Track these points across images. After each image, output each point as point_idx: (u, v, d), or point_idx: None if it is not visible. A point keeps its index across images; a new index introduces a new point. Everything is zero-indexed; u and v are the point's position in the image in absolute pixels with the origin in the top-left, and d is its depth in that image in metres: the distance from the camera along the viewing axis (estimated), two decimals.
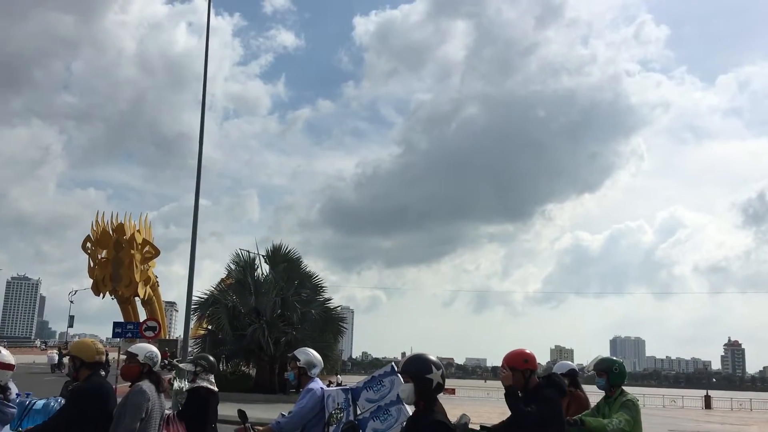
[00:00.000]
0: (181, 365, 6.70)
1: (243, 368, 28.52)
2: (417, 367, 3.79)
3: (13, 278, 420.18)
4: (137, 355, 5.10)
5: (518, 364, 4.75)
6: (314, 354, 5.86)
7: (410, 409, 4.72)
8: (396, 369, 5.42)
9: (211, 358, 6.68)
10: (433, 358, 3.86)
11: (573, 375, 6.75)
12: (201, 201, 20.95)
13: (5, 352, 3.74)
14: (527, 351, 4.82)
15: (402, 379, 3.94)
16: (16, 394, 3.87)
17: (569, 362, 7.04)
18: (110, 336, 32.28)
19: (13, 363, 3.77)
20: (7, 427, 3.67)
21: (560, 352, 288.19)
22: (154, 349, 5.31)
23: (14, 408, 3.69)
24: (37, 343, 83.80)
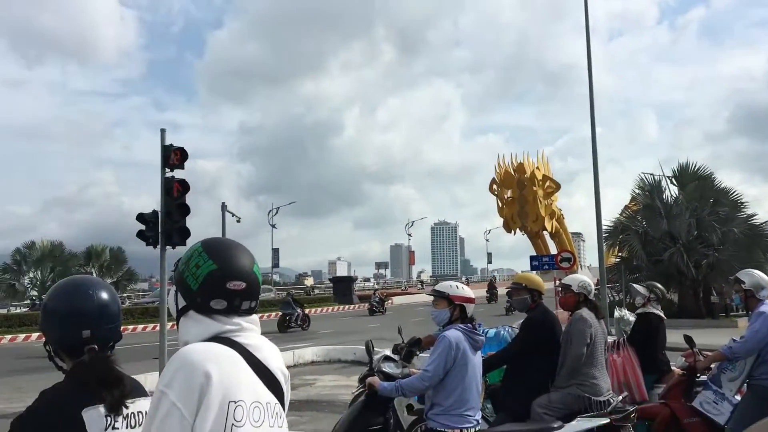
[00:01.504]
0: (635, 286, 6.78)
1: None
2: None
3: (435, 224, 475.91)
4: (571, 286, 5.36)
5: None
6: (760, 275, 5.35)
7: None
8: None
9: (661, 286, 6.65)
10: None
11: None
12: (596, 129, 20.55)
13: (467, 288, 4.27)
14: None
15: None
16: None
17: None
18: (527, 269, 34.16)
19: (474, 297, 4.29)
20: (479, 352, 4.20)
21: None
22: (586, 278, 5.51)
23: (482, 336, 4.21)
24: (462, 279, 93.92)
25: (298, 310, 26.15)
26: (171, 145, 11.35)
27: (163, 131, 11.62)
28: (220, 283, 1.76)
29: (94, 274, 43.27)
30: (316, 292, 66.64)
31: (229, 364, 1.69)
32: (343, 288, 49.99)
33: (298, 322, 25.92)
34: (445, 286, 4.31)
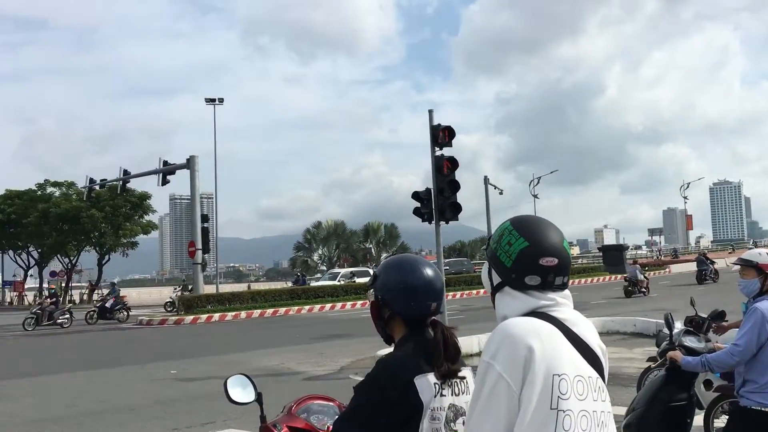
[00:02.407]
0: None
1: None
2: None
3: (714, 184, 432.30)
4: None
5: None
6: None
7: None
8: None
9: None
10: None
11: None
12: None
13: None
14: None
15: None
16: None
17: None
18: None
19: None
20: None
21: None
22: None
23: None
24: (750, 243, 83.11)
25: (711, 266, 31.49)
26: (439, 124, 11.81)
27: (430, 112, 12.14)
28: (532, 259, 1.80)
29: (372, 250, 46.97)
30: (583, 261, 64.69)
31: (549, 338, 1.72)
32: (613, 257, 47.74)
33: (711, 275, 30.98)
34: (753, 254, 3.93)
